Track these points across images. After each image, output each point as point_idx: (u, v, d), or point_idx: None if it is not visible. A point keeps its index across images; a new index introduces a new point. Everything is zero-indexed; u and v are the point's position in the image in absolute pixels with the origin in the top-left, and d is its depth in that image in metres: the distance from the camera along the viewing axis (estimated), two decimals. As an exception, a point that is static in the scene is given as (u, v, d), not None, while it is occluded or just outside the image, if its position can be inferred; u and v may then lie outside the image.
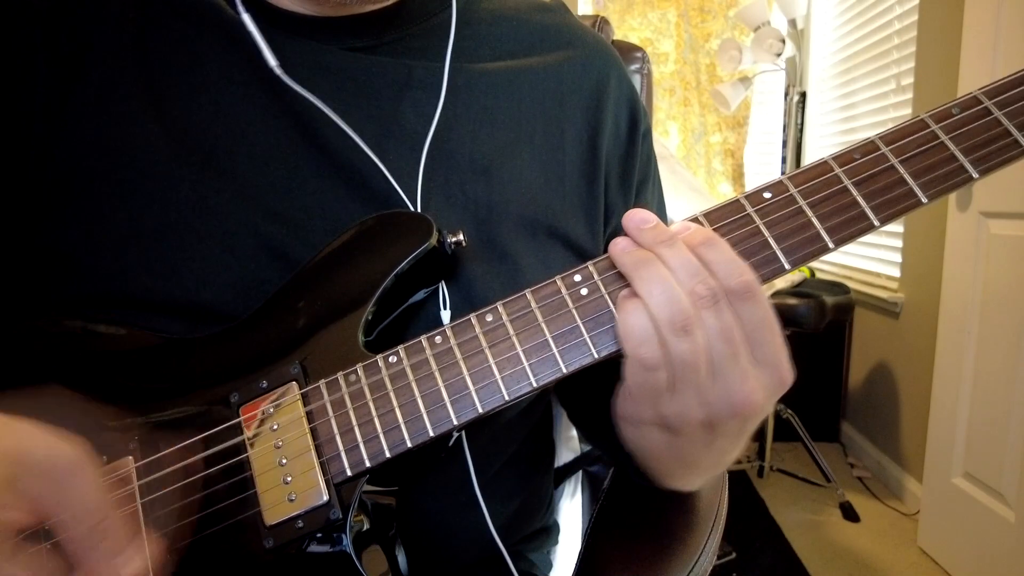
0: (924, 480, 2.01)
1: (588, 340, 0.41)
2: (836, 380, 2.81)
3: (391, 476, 0.49)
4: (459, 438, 0.51)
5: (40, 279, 0.48)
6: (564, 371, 0.41)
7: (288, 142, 0.50)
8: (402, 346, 0.43)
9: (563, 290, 0.42)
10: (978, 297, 1.77)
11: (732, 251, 0.39)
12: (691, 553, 0.58)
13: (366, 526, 0.45)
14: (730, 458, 0.46)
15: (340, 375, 0.43)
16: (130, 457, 0.42)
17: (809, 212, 0.42)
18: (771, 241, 0.41)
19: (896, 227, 2.39)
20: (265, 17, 0.51)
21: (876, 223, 0.41)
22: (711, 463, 0.46)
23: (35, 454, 0.34)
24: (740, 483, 2.47)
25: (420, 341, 0.43)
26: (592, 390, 0.56)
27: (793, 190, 0.42)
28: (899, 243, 2.41)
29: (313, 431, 0.42)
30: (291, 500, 0.41)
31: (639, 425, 0.43)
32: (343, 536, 0.41)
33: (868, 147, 0.43)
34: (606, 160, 0.58)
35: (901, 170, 0.42)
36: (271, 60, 0.49)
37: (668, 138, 3.63)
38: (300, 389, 0.43)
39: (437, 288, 0.49)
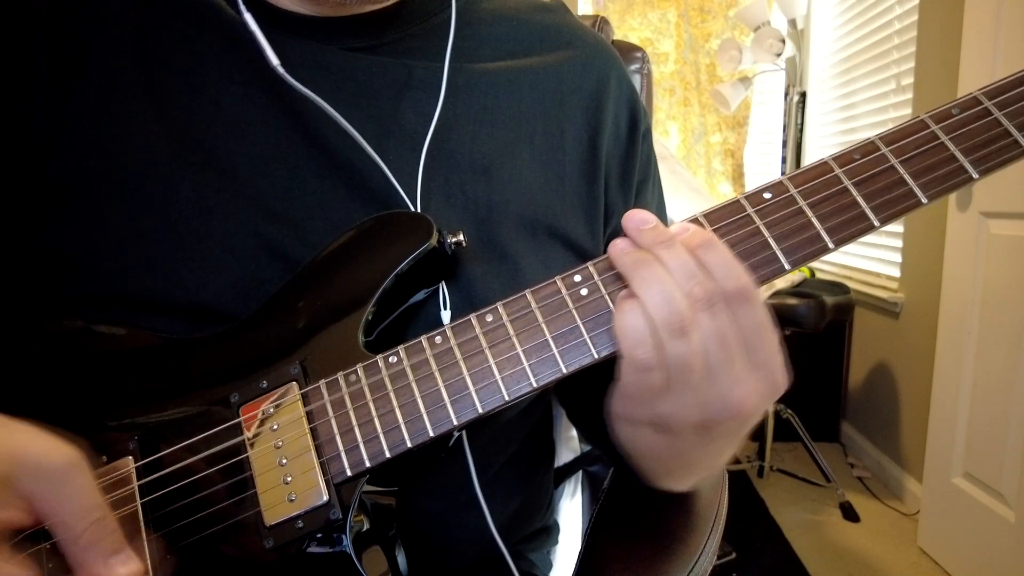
0: (924, 480, 2.01)
1: (588, 340, 0.41)
2: (836, 380, 2.81)
3: (391, 476, 0.49)
4: (459, 438, 0.51)
5: (40, 279, 0.48)
6: (564, 371, 0.41)
7: (288, 142, 0.50)
8: (402, 346, 0.43)
9: (563, 290, 0.42)
10: (978, 297, 1.77)
11: (730, 254, 0.39)
12: (691, 553, 0.58)
13: (366, 526, 0.45)
14: (724, 459, 0.46)
15: (340, 375, 0.43)
16: (130, 457, 0.42)
17: (809, 212, 0.42)
18: (771, 241, 0.41)
19: (896, 227, 2.39)
20: (265, 17, 0.51)
21: (876, 223, 0.41)
22: (705, 464, 0.46)
23: (33, 454, 0.34)
24: (740, 483, 2.47)
25: (420, 341, 0.43)
26: (591, 389, 0.56)
27: (793, 190, 0.42)
28: (899, 243, 2.41)
29: (313, 431, 0.42)
30: (291, 500, 0.41)
31: (633, 425, 0.43)
32: (343, 536, 0.41)
33: (868, 147, 0.43)
34: (606, 160, 0.58)
35: (901, 170, 0.42)
36: (273, 59, 0.49)
37: (668, 138, 3.62)
38: (300, 389, 0.43)
39: (437, 288, 0.49)
